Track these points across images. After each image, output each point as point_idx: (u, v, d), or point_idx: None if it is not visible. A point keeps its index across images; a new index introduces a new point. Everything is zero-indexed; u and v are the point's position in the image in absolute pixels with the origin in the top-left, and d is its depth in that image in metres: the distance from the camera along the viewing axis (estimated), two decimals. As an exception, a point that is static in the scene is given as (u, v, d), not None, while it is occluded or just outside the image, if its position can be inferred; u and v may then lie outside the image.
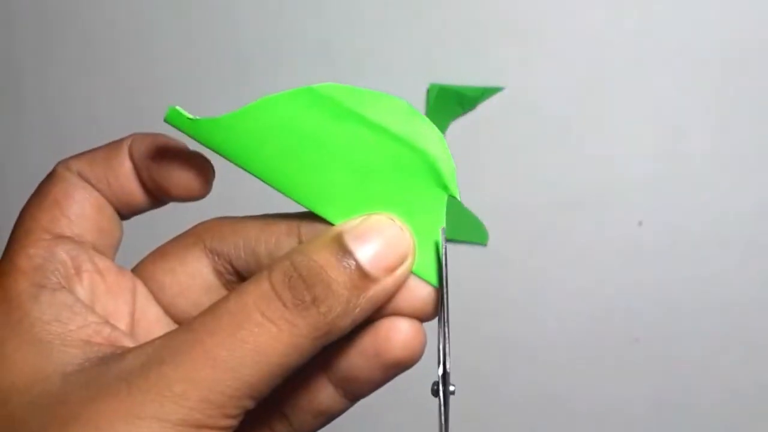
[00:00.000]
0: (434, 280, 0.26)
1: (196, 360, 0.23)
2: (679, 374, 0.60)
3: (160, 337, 0.24)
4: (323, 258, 0.25)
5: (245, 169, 0.27)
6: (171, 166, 0.27)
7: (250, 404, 0.24)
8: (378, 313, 0.27)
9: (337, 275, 0.24)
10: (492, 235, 0.61)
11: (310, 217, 0.27)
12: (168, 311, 0.29)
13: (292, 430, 0.29)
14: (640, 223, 0.60)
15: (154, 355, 0.23)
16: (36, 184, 0.28)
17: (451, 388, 0.26)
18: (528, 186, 0.61)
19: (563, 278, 0.61)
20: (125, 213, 0.29)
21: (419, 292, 0.27)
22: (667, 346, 0.60)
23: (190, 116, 0.26)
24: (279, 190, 0.27)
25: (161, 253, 0.29)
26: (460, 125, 0.61)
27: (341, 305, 0.24)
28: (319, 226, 0.27)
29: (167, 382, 0.23)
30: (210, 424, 0.23)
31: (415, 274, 0.26)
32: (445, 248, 0.26)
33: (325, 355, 0.27)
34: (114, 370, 0.23)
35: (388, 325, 0.27)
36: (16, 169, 0.68)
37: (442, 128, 0.62)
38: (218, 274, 0.29)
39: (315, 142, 0.26)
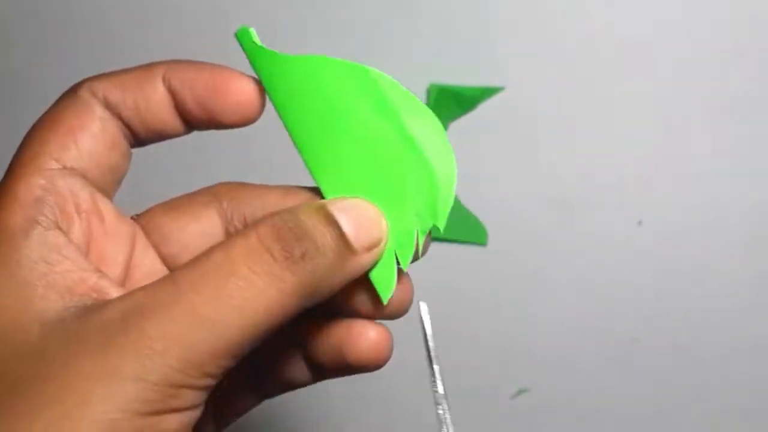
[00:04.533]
0: (385, 290, 0.27)
1: (179, 317, 0.22)
2: (679, 374, 0.60)
3: (141, 288, 0.23)
4: (311, 221, 0.24)
5: (278, 111, 0.27)
6: (222, 91, 0.26)
7: (231, 364, 0.23)
8: (352, 308, 0.27)
9: (324, 239, 0.24)
10: (491, 235, 0.61)
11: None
12: (168, 264, 0.28)
13: (258, 394, 0.29)
14: (639, 223, 0.60)
15: (135, 308, 0.22)
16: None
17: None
18: (527, 185, 0.61)
19: (562, 278, 0.61)
20: (147, 140, 0.28)
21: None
22: (667, 346, 0.60)
23: (258, 41, 0.27)
24: (294, 143, 0.27)
25: (173, 206, 0.28)
26: (459, 125, 0.61)
27: (327, 267, 0.24)
28: None
29: (147, 340, 0.21)
30: (189, 384, 0.22)
31: (370, 278, 0.27)
32: (426, 321, 0.29)
33: (299, 334, 0.28)
34: (93, 322, 0.22)
35: (359, 329, 0.28)
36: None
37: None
38: (229, 235, 0.28)
39: (346, 119, 0.27)
